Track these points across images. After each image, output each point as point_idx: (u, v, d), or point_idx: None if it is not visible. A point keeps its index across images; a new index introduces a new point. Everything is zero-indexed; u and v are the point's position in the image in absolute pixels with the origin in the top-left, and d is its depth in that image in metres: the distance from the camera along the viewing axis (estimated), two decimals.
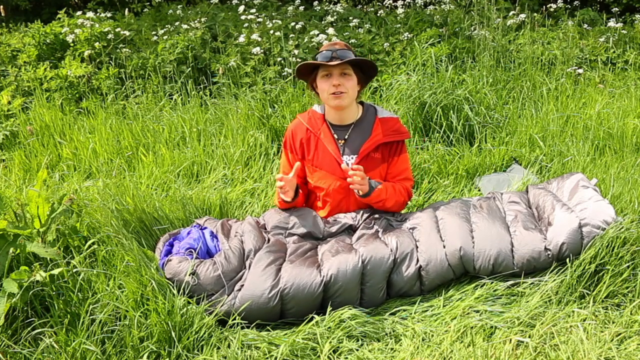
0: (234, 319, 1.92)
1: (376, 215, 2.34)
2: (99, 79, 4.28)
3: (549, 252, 2.09)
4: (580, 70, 4.33)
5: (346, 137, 2.37)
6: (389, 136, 2.36)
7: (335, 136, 2.38)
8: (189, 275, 1.97)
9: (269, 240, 2.23)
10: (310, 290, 1.96)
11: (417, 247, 2.14)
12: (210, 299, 1.98)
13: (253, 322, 1.96)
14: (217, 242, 2.22)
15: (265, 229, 2.30)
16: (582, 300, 2.04)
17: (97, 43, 4.50)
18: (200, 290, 1.98)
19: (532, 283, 2.09)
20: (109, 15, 5.34)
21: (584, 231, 2.09)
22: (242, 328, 1.93)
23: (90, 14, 4.98)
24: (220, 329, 1.92)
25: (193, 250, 2.09)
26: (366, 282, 2.05)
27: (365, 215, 2.34)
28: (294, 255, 2.11)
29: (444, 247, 2.13)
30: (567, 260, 2.07)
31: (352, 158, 2.35)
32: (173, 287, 1.98)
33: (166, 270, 2.02)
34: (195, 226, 2.32)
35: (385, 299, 2.12)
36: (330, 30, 4.44)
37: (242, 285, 1.99)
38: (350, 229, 2.31)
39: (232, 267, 2.05)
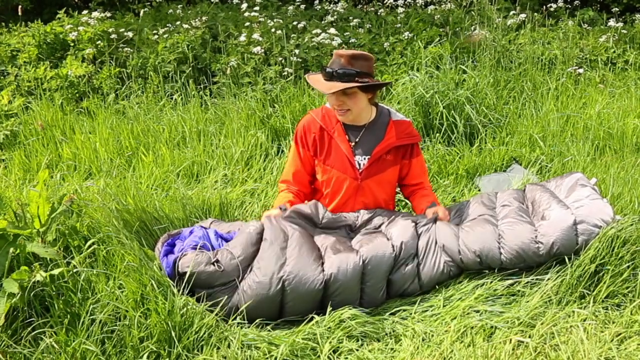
0: (238, 314, 1.92)
1: (374, 217, 2.35)
2: (99, 78, 4.27)
3: (539, 245, 2.08)
4: (581, 70, 4.33)
5: (359, 138, 2.39)
6: (402, 139, 2.39)
7: (348, 137, 2.39)
8: (212, 264, 1.98)
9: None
10: (311, 286, 1.97)
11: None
12: (227, 285, 1.99)
13: (255, 316, 1.96)
14: (221, 241, 2.21)
15: None
16: (582, 300, 2.04)
17: (100, 42, 4.50)
18: (223, 278, 1.99)
19: (532, 283, 2.10)
20: (108, 15, 5.33)
21: (579, 228, 2.08)
22: (243, 323, 1.93)
23: (95, 14, 4.97)
24: (221, 330, 1.92)
25: (207, 244, 2.11)
26: (366, 281, 2.05)
27: (366, 218, 2.34)
28: (296, 240, 2.11)
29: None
30: (558, 256, 2.07)
31: (364, 159, 2.37)
32: (174, 287, 1.97)
33: (181, 265, 2.01)
34: (198, 227, 2.31)
35: (385, 299, 2.13)
36: (332, 30, 4.44)
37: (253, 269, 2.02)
38: (349, 229, 2.31)
39: (250, 252, 2.06)
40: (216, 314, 1.93)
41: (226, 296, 1.98)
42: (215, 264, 1.99)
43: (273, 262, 2.01)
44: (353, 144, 2.38)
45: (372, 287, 2.06)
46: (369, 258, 2.05)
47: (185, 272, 1.98)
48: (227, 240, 2.22)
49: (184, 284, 1.95)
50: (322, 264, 2.05)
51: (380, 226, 2.29)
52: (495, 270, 2.16)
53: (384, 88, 3.81)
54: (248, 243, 2.09)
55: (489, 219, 2.25)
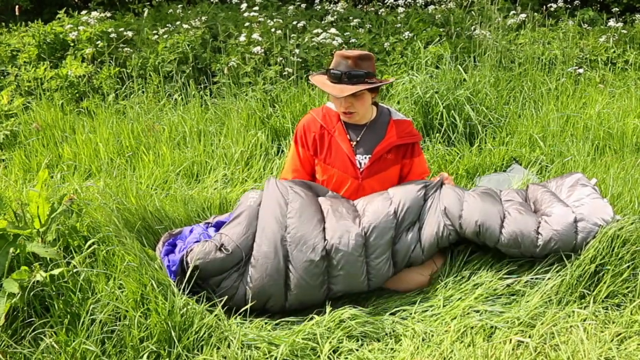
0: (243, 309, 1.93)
1: None
2: (99, 78, 4.27)
3: (539, 236, 2.09)
4: (581, 70, 4.33)
5: (359, 137, 2.39)
6: (403, 138, 2.39)
7: (349, 136, 2.39)
8: (220, 250, 2.01)
9: None
10: (312, 254, 1.99)
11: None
12: (239, 264, 2.02)
13: (264, 294, 1.99)
14: None
15: None
16: (582, 300, 2.04)
17: (99, 42, 4.50)
18: (235, 259, 2.02)
19: (532, 283, 2.10)
20: (108, 15, 5.34)
21: (579, 226, 2.09)
22: (244, 322, 1.93)
23: (94, 14, 4.97)
24: (221, 330, 1.92)
25: (205, 235, 2.12)
26: (370, 254, 2.07)
27: None
28: (297, 206, 2.11)
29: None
30: (564, 258, 2.07)
31: (365, 158, 2.38)
32: (174, 286, 1.97)
33: (190, 259, 2.02)
34: (198, 225, 2.32)
35: (393, 272, 2.14)
36: (332, 30, 4.44)
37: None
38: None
39: (255, 226, 2.09)
40: (226, 301, 1.97)
41: (239, 275, 2.02)
42: (222, 249, 2.02)
43: (276, 230, 2.03)
44: (354, 143, 2.39)
45: (377, 259, 2.07)
46: (370, 229, 2.06)
47: (196, 266, 1.99)
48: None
49: (194, 277, 1.97)
50: (324, 229, 2.06)
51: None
52: (495, 269, 2.16)
53: (385, 88, 3.82)
54: (252, 217, 2.10)
55: (496, 198, 2.28)
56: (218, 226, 2.28)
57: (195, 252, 2.01)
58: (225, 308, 1.98)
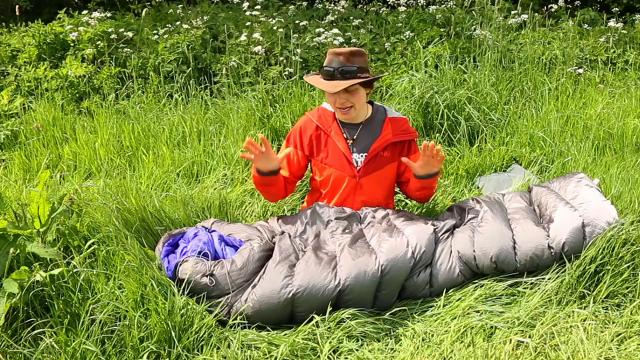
0: (243, 319, 1.93)
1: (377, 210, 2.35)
2: (99, 78, 4.27)
3: (552, 250, 2.09)
4: (581, 70, 4.33)
5: (356, 135, 2.40)
6: (399, 136, 2.39)
7: (345, 134, 2.39)
8: (206, 277, 1.97)
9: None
10: (323, 295, 1.95)
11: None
12: (223, 298, 1.97)
13: (263, 322, 1.95)
14: (224, 246, 2.20)
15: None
16: (582, 300, 2.04)
17: (100, 42, 4.50)
18: (217, 291, 1.98)
19: (532, 283, 2.10)
20: (108, 15, 5.34)
21: (586, 231, 2.09)
22: (244, 328, 1.93)
23: (95, 14, 4.97)
24: (221, 330, 1.92)
25: (208, 252, 2.09)
26: (382, 290, 2.04)
27: (370, 213, 2.33)
28: (305, 258, 2.08)
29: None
30: (567, 259, 2.07)
31: (361, 156, 2.38)
32: (174, 287, 1.97)
33: (181, 270, 2.01)
34: (202, 228, 2.30)
35: (395, 301, 2.12)
36: (335, 31, 4.44)
37: (256, 285, 1.99)
38: (357, 220, 2.30)
39: (251, 269, 2.04)
40: (216, 315, 1.94)
41: (225, 307, 1.97)
42: (209, 277, 1.98)
43: (281, 276, 1.97)
44: (350, 141, 2.39)
45: (387, 294, 2.05)
46: (388, 268, 2.01)
47: (184, 279, 1.98)
48: (228, 245, 2.21)
49: (183, 290, 1.95)
50: (335, 266, 2.01)
51: (387, 216, 2.27)
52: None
53: (384, 88, 3.82)
54: (250, 260, 2.05)
55: (503, 211, 2.27)
56: (222, 237, 2.25)
57: (187, 267, 2.00)
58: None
